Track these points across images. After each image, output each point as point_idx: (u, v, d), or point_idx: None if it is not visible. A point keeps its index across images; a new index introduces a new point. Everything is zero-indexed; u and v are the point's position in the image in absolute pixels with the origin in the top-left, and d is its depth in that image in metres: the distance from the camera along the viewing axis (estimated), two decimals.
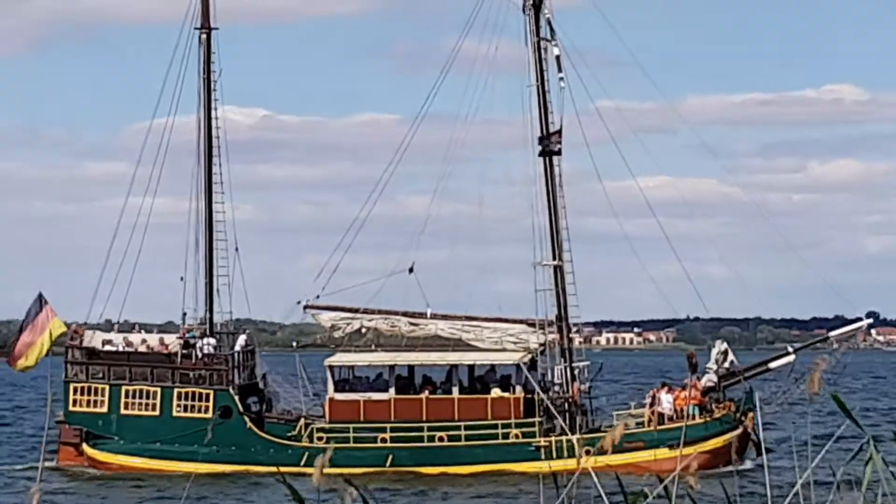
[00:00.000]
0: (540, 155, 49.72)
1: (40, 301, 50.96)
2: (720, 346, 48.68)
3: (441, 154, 51.59)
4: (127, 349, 50.41)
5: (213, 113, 52.06)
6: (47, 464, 50.69)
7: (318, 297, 50.98)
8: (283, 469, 48.42)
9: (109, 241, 51.58)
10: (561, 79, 48.53)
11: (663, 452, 45.80)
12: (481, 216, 51.46)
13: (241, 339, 51.55)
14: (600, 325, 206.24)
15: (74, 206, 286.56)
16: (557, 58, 49.07)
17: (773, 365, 48.27)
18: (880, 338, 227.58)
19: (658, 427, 47.01)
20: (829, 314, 77.12)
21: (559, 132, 48.67)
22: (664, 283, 53.86)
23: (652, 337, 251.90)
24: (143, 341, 50.83)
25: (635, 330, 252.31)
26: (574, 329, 50.94)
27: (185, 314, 50.99)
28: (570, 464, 45.28)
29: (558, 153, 49.29)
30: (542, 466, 44.31)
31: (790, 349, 49.26)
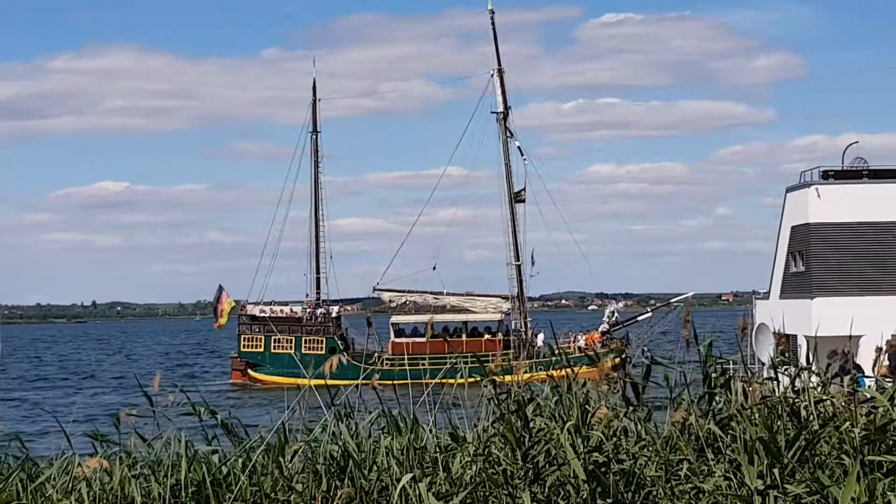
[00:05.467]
0: (511, 203, 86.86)
1: (220, 289, 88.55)
2: (611, 307, 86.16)
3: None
4: (272, 315, 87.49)
5: (319, 182, 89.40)
6: (225, 381, 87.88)
7: (378, 283, 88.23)
8: (365, 381, 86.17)
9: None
10: (525, 160, 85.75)
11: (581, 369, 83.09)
12: None
13: (335, 309, 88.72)
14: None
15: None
16: (519, 147, 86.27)
17: (639, 318, 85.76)
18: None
19: (577, 354, 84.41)
20: None
21: (524, 190, 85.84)
22: None
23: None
24: (281, 311, 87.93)
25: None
26: (528, 299, 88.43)
27: (307, 295, 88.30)
28: (527, 376, 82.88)
29: (523, 201, 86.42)
30: (512, 378, 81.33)
31: (649, 310, 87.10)
